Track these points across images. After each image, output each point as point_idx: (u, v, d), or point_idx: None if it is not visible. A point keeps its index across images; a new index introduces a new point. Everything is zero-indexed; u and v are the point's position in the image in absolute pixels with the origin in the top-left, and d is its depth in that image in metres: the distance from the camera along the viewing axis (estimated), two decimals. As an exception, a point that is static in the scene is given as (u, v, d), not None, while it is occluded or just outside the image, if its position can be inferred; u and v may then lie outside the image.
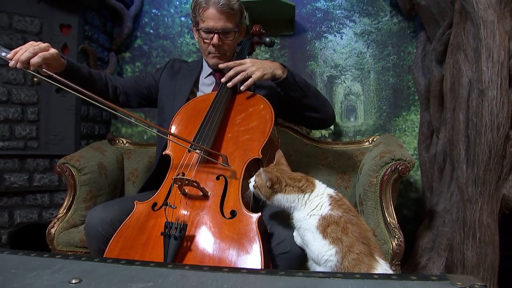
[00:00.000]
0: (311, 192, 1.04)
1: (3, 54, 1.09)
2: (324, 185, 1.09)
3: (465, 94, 1.63)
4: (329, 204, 1.01)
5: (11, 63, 1.09)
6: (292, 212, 1.07)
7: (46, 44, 1.14)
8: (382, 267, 0.94)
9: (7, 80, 2.00)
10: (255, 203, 1.13)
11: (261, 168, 1.05)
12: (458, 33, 1.70)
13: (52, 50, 1.15)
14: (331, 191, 1.07)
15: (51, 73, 1.11)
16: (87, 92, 1.04)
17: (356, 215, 1.02)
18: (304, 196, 1.04)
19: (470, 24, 1.60)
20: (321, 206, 1.01)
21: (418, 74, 2.20)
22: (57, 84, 1.08)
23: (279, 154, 1.15)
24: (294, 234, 1.09)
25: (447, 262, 1.71)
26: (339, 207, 1.01)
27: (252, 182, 1.09)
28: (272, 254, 1.08)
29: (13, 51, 1.10)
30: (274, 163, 1.14)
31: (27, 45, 1.12)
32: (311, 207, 1.02)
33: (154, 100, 1.59)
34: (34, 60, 1.09)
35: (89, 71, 1.40)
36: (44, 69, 1.11)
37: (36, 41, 1.86)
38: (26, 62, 1.09)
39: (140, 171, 2.05)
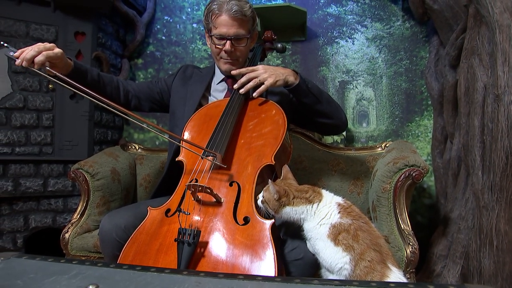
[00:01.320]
0: (319, 202, 1.04)
1: (11, 53, 1.13)
2: (332, 194, 1.08)
3: (480, 99, 1.61)
4: (338, 212, 1.01)
5: (17, 61, 1.13)
6: (302, 224, 1.06)
7: (51, 44, 1.18)
8: (395, 275, 0.92)
9: (23, 87, 2.04)
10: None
11: (270, 181, 1.05)
12: (473, 37, 1.68)
13: (56, 50, 1.18)
14: (339, 199, 1.07)
15: (56, 73, 1.14)
16: (97, 96, 1.07)
17: (367, 222, 1.01)
18: (312, 207, 1.04)
19: (485, 28, 1.58)
20: (330, 214, 1.01)
21: (431, 79, 2.17)
22: (66, 86, 1.11)
23: (285, 169, 1.15)
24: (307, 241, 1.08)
25: (462, 270, 1.68)
26: (348, 214, 1.00)
27: (260, 198, 1.09)
28: (285, 260, 1.08)
29: (19, 50, 1.14)
30: (281, 178, 1.14)
31: (33, 45, 1.15)
32: (321, 217, 1.02)
33: (166, 106, 1.60)
34: (38, 58, 1.12)
35: (99, 74, 1.42)
36: (48, 68, 1.14)
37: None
38: (31, 61, 1.12)
39: (152, 176, 2.06)
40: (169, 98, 1.58)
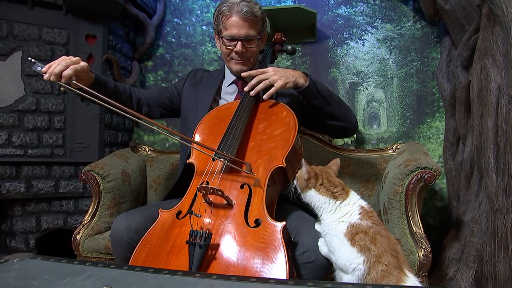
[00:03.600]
0: (343, 201, 1.05)
1: (39, 68, 1.16)
2: (358, 197, 1.09)
3: (494, 100, 1.58)
4: (359, 214, 1.01)
5: (46, 76, 1.14)
6: (321, 215, 1.07)
7: (77, 58, 1.20)
8: (412, 281, 0.91)
9: (36, 90, 2.06)
10: (295, 197, 1.14)
11: (303, 160, 1.09)
12: (486, 38, 1.66)
13: (83, 63, 1.20)
14: (363, 203, 1.07)
15: (82, 85, 1.16)
16: (114, 103, 1.08)
17: (386, 229, 1.01)
18: (335, 202, 1.05)
19: (499, 28, 1.55)
20: (351, 214, 1.01)
21: (443, 80, 2.15)
22: (88, 96, 1.13)
23: (334, 161, 1.20)
24: (319, 244, 1.07)
25: (476, 274, 1.65)
26: (369, 218, 1.00)
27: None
28: (296, 263, 1.07)
29: (47, 65, 1.16)
30: (328, 165, 1.17)
31: (59, 59, 1.17)
32: (341, 214, 1.02)
33: (177, 110, 1.61)
34: (66, 72, 1.15)
35: (115, 84, 1.46)
36: (74, 81, 1.17)
37: (63, 52, 1.94)
38: (59, 75, 1.15)
39: (162, 178, 2.07)
40: (179, 103, 1.59)
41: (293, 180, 1.16)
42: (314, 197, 1.08)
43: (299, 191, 1.10)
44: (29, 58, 1.21)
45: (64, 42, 2.13)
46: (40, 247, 2.13)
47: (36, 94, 2.07)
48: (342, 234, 0.98)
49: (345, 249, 0.96)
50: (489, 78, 1.60)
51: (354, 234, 0.97)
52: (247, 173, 1.12)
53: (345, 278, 0.97)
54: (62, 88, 2.11)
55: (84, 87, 1.15)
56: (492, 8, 1.53)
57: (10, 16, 2.01)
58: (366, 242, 0.95)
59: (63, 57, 1.19)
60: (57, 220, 2.15)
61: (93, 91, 1.11)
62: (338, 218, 1.02)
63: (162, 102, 1.60)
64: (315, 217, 1.29)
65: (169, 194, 1.44)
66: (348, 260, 0.95)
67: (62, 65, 1.15)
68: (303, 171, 1.08)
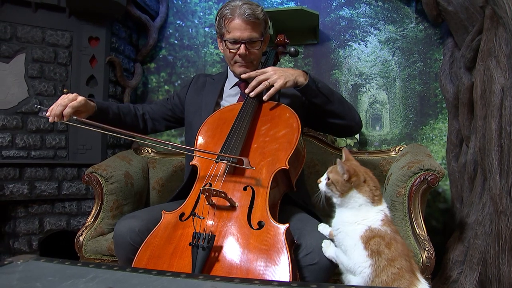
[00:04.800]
0: (375, 206, 0.99)
1: (44, 113, 1.25)
2: (387, 204, 1.04)
3: (498, 101, 1.58)
4: (381, 220, 0.97)
5: (50, 119, 1.24)
6: (341, 211, 1.02)
7: (74, 95, 1.27)
8: (424, 286, 0.91)
9: (39, 92, 2.07)
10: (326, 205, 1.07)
11: (338, 160, 1.00)
12: (489, 39, 1.66)
13: (79, 98, 1.27)
14: (388, 211, 1.02)
15: (83, 119, 1.25)
16: (115, 129, 1.18)
17: (401, 237, 0.99)
18: (370, 206, 0.99)
19: (503, 30, 1.55)
20: (373, 219, 0.97)
21: (446, 82, 2.14)
22: (91, 128, 1.24)
23: (346, 151, 1.10)
24: (323, 245, 1.07)
25: (480, 276, 1.65)
26: (389, 226, 0.98)
27: (323, 181, 1.03)
28: (299, 265, 1.07)
29: (49, 109, 1.24)
30: (344, 159, 1.07)
31: (58, 100, 1.26)
32: (364, 217, 0.98)
33: (181, 119, 1.62)
34: (66, 111, 1.23)
35: (118, 107, 1.50)
36: (75, 117, 1.24)
37: (66, 54, 1.97)
38: (61, 115, 1.23)
39: (165, 180, 2.07)
40: (182, 111, 1.60)
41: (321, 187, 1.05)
42: (353, 197, 0.99)
43: (337, 196, 1.00)
44: (36, 106, 1.30)
45: (67, 44, 2.14)
46: (43, 248, 2.13)
47: (39, 96, 2.07)
48: (358, 236, 0.95)
49: (357, 251, 0.95)
50: (493, 80, 1.60)
51: (370, 238, 0.94)
52: (246, 168, 1.10)
53: (354, 279, 0.96)
54: (65, 90, 2.12)
55: (84, 120, 1.24)
56: (495, 9, 1.53)
57: (14, 19, 2.02)
58: (381, 246, 0.93)
59: (62, 96, 1.27)
60: (60, 222, 2.15)
61: (94, 122, 1.21)
62: (359, 220, 0.98)
63: (165, 114, 1.62)
64: (318, 219, 1.29)
65: (176, 197, 1.44)
66: (357, 262, 0.94)
67: (62, 105, 1.23)
68: (340, 171, 0.98)
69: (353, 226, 0.97)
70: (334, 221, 1.04)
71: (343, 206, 1.01)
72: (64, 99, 1.25)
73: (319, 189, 1.05)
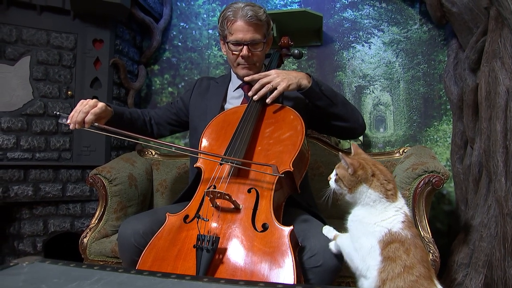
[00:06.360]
0: (392, 202, 0.93)
1: (64, 120, 1.22)
2: (404, 200, 0.98)
3: (503, 103, 1.57)
4: (402, 222, 0.91)
5: (71, 126, 1.22)
6: (357, 210, 0.97)
7: (94, 101, 1.26)
8: None
9: (43, 94, 2.08)
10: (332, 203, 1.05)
11: (340, 153, 0.97)
12: (494, 40, 1.65)
13: (100, 104, 1.26)
14: (408, 210, 0.96)
15: (103, 126, 1.24)
16: (131, 134, 1.20)
17: (421, 241, 0.94)
18: (385, 202, 0.93)
19: (507, 31, 1.54)
20: (393, 220, 0.91)
21: (450, 83, 2.14)
22: (110, 135, 1.24)
23: (354, 146, 1.07)
24: (331, 246, 1.05)
25: (486, 279, 1.63)
26: (410, 228, 0.92)
27: (333, 177, 1.00)
28: (303, 267, 1.06)
29: (70, 116, 1.22)
30: (352, 154, 1.04)
31: (78, 106, 1.24)
32: (383, 217, 0.92)
33: (185, 123, 1.62)
34: (88, 118, 1.22)
35: (130, 112, 1.51)
36: (96, 124, 1.23)
37: (70, 56, 1.98)
38: (82, 122, 1.21)
39: (168, 182, 2.08)
40: (186, 115, 1.60)
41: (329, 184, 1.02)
42: (364, 193, 0.93)
43: (347, 192, 0.95)
44: (55, 112, 1.26)
45: (71, 46, 2.15)
46: (47, 250, 2.14)
47: (44, 98, 2.08)
48: (377, 240, 0.89)
49: (372, 254, 0.90)
50: (498, 81, 1.59)
51: (389, 243, 0.88)
52: (274, 175, 1.10)
53: (366, 283, 0.93)
54: (69, 92, 2.14)
55: (105, 126, 1.23)
56: (500, 10, 1.52)
57: (19, 21, 2.04)
58: (397, 252, 0.87)
59: (81, 102, 1.25)
60: (64, 224, 2.16)
61: (114, 129, 1.21)
62: (378, 221, 0.91)
63: (170, 118, 1.62)
64: (322, 221, 1.28)
65: (180, 199, 1.44)
66: (365, 264, 0.91)
67: (83, 112, 1.21)
68: (344, 165, 0.94)
69: (373, 228, 0.91)
70: (350, 217, 0.99)
71: (357, 203, 0.96)
72: (84, 105, 1.23)
73: (328, 187, 1.02)
